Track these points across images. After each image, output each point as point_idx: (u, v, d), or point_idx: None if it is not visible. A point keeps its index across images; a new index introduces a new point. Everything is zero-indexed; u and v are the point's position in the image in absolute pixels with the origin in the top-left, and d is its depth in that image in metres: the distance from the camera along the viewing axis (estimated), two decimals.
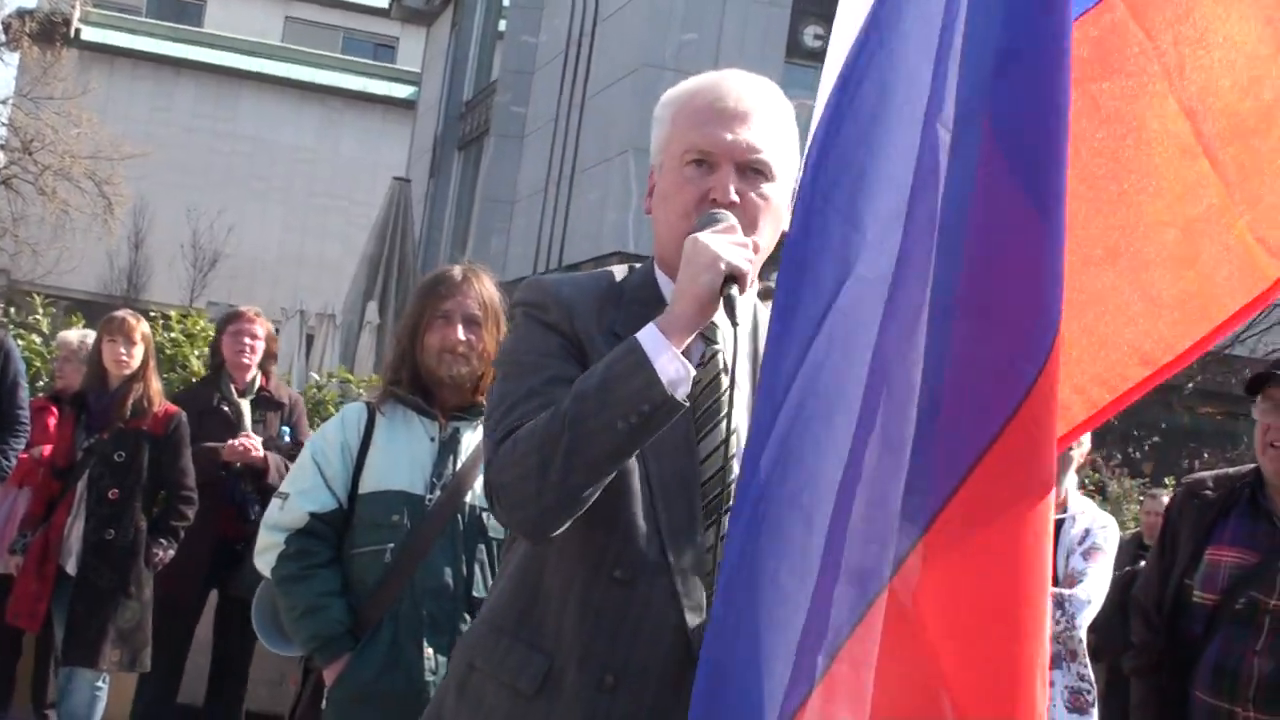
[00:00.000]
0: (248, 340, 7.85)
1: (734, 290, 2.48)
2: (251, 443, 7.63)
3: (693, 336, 2.55)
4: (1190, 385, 16.01)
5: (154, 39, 40.42)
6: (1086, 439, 6.08)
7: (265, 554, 4.54)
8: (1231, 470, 4.51)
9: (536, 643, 2.73)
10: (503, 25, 28.38)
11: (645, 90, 18.75)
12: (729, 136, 2.72)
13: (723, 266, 2.49)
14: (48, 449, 7.62)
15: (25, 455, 7.81)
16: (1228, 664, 4.18)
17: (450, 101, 30.75)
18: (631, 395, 2.47)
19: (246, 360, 7.85)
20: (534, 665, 2.70)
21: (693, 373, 2.52)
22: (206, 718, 7.98)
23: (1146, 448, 15.45)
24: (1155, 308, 2.53)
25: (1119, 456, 14.72)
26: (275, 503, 4.61)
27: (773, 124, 2.77)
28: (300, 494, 4.51)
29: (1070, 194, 2.21)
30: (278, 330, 15.34)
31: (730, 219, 2.62)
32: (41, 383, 9.80)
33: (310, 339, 17.39)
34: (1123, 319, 2.54)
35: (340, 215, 38.72)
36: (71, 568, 6.98)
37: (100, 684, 7.11)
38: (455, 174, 30.10)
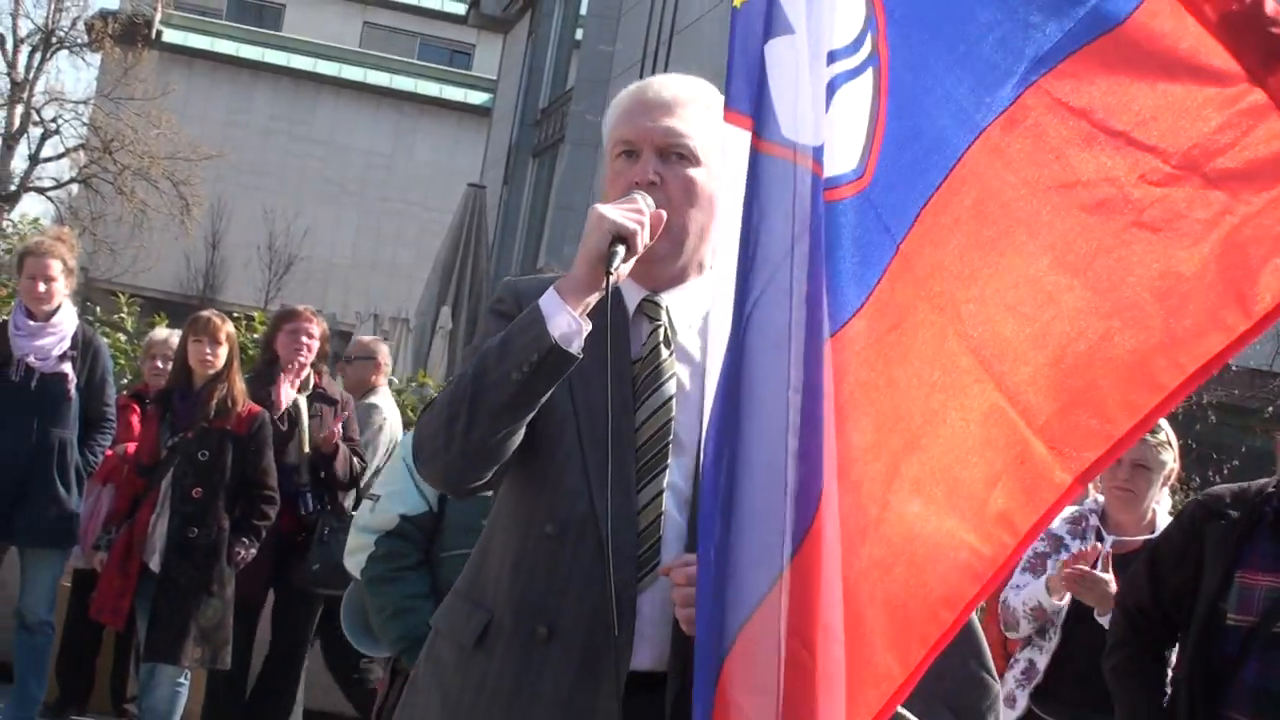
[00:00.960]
0: (304, 339, 7.90)
1: (619, 249, 2.66)
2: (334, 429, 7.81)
3: (593, 297, 2.70)
4: (1270, 409, 15.84)
5: (233, 42, 40.69)
6: (1175, 459, 6.00)
7: (355, 555, 4.56)
8: (1249, 485, 4.43)
9: (481, 600, 2.90)
10: (579, 34, 28.43)
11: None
12: (649, 124, 2.91)
13: (607, 227, 2.66)
14: (131, 446, 7.70)
15: (110, 453, 7.89)
16: (1270, 687, 4.14)
17: (525, 109, 30.80)
18: (524, 346, 2.66)
19: (303, 359, 7.91)
20: (475, 621, 2.87)
21: (586, 328, 2.69)
22: (258, 712, 8.00)
23: (1226, 470, 15.29)
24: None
25: (1197, 480, 14.57)
26: (366, 504, 4.64)
27: (698, 113, 2.93)
28: (391, 496, 4.53)
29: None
30: (351, 334, 15.44)
31: (637, 195, 2.79)
32: (125, 380, 9.89)
33: None
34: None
35: (414, 220, 38.87)
36: (155, 565, 7.03)
37: (182, 680, 7.16)
38: (529, 181, 30.16)
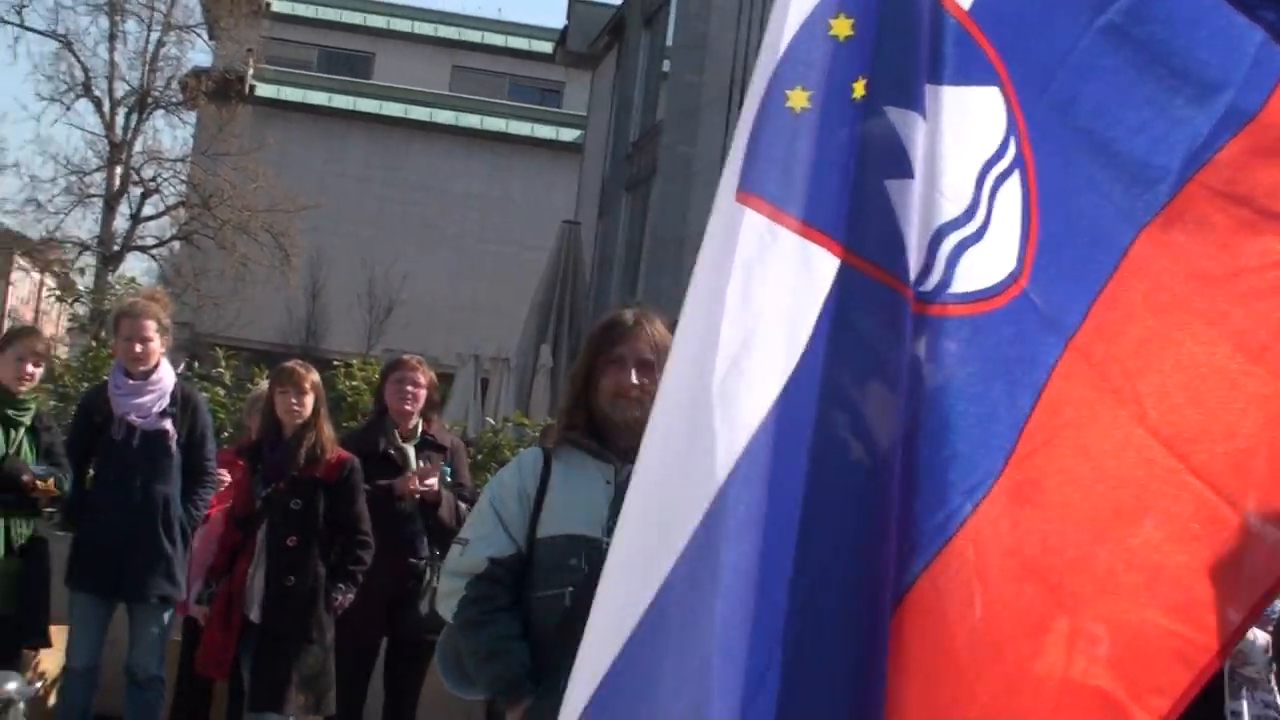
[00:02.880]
0: (410, 389, 8.02)
1: None
2: (429, 483, 7.80)
3: None
4: None
5: (325, 92, 41.12)
6: None
7: (447, 599, 4.56)
8: None
9: None
10: (666, 65, 28.45)
11: None
12: None
13: None
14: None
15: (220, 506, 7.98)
16: None
17: (617, 143, 30.87)
18: None
19: (409, 407, 8.01)
20: None
21: None
22: None
23: None
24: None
25: None
26: (455, 549, 4.64)
27: None
28: (479, 539, 4.52)
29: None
30: (453, 376, 15.48)
31: None
32: (225, 434, 10.00)
33: (485, 383, 17.51)
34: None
35: (511, 260, 38.99)
36: (255, 616, 7.09)
37: None
38: (624, 215, 30.20)
